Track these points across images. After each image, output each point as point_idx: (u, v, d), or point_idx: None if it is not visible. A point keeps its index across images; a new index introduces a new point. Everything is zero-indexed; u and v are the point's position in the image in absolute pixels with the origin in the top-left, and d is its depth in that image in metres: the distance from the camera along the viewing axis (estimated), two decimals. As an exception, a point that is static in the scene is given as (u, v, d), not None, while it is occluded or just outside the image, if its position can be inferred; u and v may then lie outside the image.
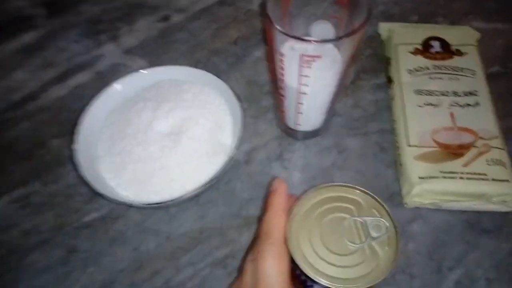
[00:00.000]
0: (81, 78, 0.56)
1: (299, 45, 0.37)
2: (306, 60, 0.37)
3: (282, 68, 0.40)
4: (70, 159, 0.48)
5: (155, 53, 0.58)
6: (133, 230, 0.44)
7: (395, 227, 0.32)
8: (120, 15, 0.63)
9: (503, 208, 0.41)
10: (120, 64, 0.57)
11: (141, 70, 0.50)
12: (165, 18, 0.62)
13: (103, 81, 0.55)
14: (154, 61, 0.57)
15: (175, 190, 0.41)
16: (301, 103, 0.42)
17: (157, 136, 0.44)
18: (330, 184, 0.34)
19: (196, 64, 0.56)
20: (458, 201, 0.41)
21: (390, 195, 0.44)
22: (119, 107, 0.48)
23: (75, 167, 0.42)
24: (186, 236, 0.43)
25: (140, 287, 0.40)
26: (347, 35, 0.35)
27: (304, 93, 0.41)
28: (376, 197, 0.33)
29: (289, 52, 0.38)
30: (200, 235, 0.43)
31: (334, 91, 0.42)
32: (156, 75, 0.50)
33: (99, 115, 0.47)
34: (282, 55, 0.38)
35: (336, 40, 0.37)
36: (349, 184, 0.34)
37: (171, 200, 0.39)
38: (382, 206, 0.33)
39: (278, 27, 0.35)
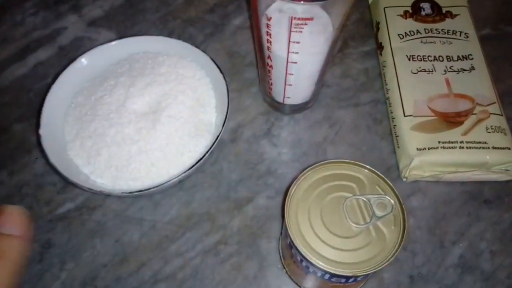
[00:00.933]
0: (42, 54, 0.50)
1: (288, 6, 0.33)
2: (296, 23, 0.33)
3: (269, 34, 0.36)
4: (36, 145, 0.44)
5: (123, 24, 0.53)
6: (114, 220, 0.40)
7: (400, 204, 0.30)
8: (81, -17, 0.56)
9: (504, 177, 0.40)
10: (84, 38, 0.52)
11: (109, 43, 0.44)
12: (132, -15, 0.56)
13: (66, 57, 0.50)
14: (122, 33, 0.52)
15: (158, 176, 0.38)
16: (291, 74, 0.39)
17: (133, 116, 0.39)
18: (328, 161, 0.32)
19: (169, 35, 0.51)
20: (458, 172, 0.40)
21: (387, 169, 0.42)
22: (87, 85, 0.43)
23: (43, 154, 0.38)
24: (173, 224, 0.39)
25: (126, 282, 0.37)
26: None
27: (294, 62, 0.37)
28: (379, 173, 0.31)
29: (277, 14, 0.34)
30: (187, 222, 0.40)
31: (324, 60, 0.39)
32: (127, 48, 0.45)
33: (65, 94, 0.42)
34: (268, 18, 0.34)
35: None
36: (348, 160, 0.32)
37: (154, 188, 0.36)
38: (386, 182, 0.31)
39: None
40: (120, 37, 0.51)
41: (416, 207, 0.40)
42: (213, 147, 0.37)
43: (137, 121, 0.39)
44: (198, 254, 0.38)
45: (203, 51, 0.43)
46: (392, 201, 0.30)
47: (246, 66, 0.49)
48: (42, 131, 0.38)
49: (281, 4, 0.33)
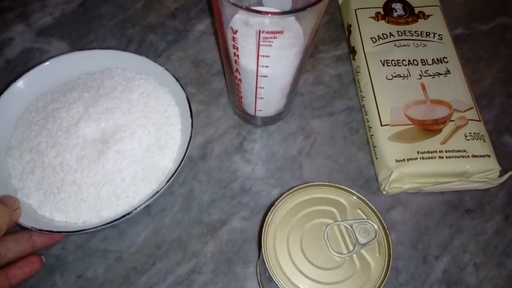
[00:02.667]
0: (-13, 69, 0.46)
1: (254, 19, 0.30)
2: (265, 37, 0.30)
3: (236, 48, 0.33)
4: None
5: (76, 32, 0.49)
6: (75, 253, 0.36)
7: (384, 229, 0.28)
8: (27, -13, 0.52)
9: (485, 186, 0.38)
10: (33, 49, 0.47)
11: (51, 60, 0.39)
12: (85, -11, 0.52)
13: (14, 71, 0.46)
14: (75, 43, 0.48)
15: (85, 213, 0.34)
16: (261, 87, 0.36)
17: (80, 141, 0.35)
18: (305, 185, 0.29)
19: (128, 44, 0.48)
20: (439, 183, 0.38)
21: (366, 181, 0.40)
22: (52, 90, 0.39)
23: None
24: (141, 254, 0.36)
25: (91, 322, 0.34)
26: (313, 3, 0.29)
27: (265, 76, 0.35)
28: (360, 195, 0.29)
29: (243, 27, 0.31)
30: (157, 251, 0.37)
31: (297, 71, 0.36)
32: (84, 62, 0.40)
33: (6, 118, 0.37)
34: (234, 32, 0.31)
35: (301, 10, 0.30)
36: (327, 183, 0.30)
37: (62, 231, 0.32)
38: (368, 205, 0.29)
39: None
40: (73, 48, 0.47)
41: (397, 221, 0.38)
42: (154, 198, 0.33)
43: (83, 147, 0.35)
44: (169, 286, 0.35)
45: (163, 61, 0.39)
46: (375, 226, 0.28)
47: (213, 76, 0.46)
48: None
49: (247, 17, 0.30)
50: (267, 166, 0.41)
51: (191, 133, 0.36)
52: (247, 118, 0.43)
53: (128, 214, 0.32)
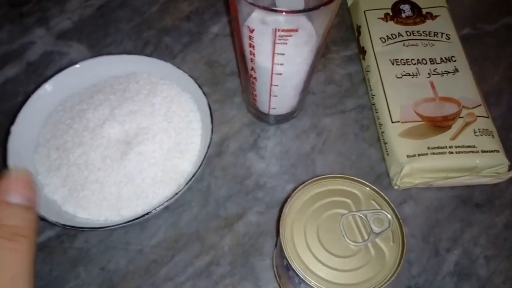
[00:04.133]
0: (9, 71, 0.47)
1: (271, 18, 0.31)
2: (281, 35, 0.31)
3: (252, 46, 0.34)
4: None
5: (95, 36, 0.50)
6: (98, 246, 0.38)
7: (398, 218, 0.29)
8: (47, -7, 0.53)
9: (494, 180, 0.39)
10: (54, 52, 0.49)
11: (81, 63, 0.41)
12: (102, -6, 0.54)
13: (36, 73, 0.47)
14: (94, 46, 0.49)
15: (106, 211, 0.35)
16: (276, 85, 0.38)
17: (105, 141, 0.37)
18: (320, 177, 0.31)
19: (144, 46, 0.49)
20: (449, 177, 0.39)
21: (377, 177, 0.41)
22: (81, 91, 0.41)
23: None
24: (161, 247, 0.38)
25: (114, 312, 0.35)
26: (326, 2, 0.30)
27: (279, 74, 0.36)
28: (373, 187, 0.30)
29: (260, 26, 0.32)
30: (176, 244, 0.38)
31: (310, 69, 0.38)
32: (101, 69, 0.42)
33: (36, 116, 0.39)
34: (251, 30, 0.33)
35: (315, 9, 0.31)
36: (341, 175, 0.31)
37: (84, 227, 0.34)
38: (381, 196, 0.30)
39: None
40: (91, 50, 0.49)
41: (409, 214, 0.39)
42: (172, 199, 0.34)
43: (107, 147, 0.36)
44: (189, 277, 0.36)
45: (179, 63, 0.40)
46: (389, 216, 0.29)
47: (228, 76, 0.47)
48: (10, 162, 0.35)
49: (263, 16, 0.31)
50: (281, 162, 0.42)
51: (211, 139, 0.37)
52: (261, 116, 0.44)
53: (147, 214, 0.33)
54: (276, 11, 0.29)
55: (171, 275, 0.36)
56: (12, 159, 0.35)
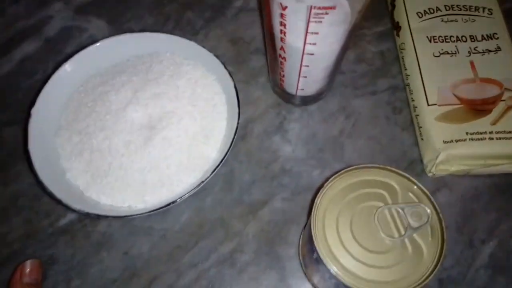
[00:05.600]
0: (27, 48, 0.46)
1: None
2: (316, 13, 0.29)
3: (284, 25, 0.32)
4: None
5: (114, 10, 0.48)
6: (121, 231, 0.37)
7: (437, 212, 0.27)
8: (64, -36, 0.51)
9: (535, 168, 0.37)
10: (72, 27, 0.47)
11: (102, 42, 0.39)
12: (121, -34, 0.51)
13: (54, 49, 0.46)
14: (113, 21, 0.47)
15: (129, 199, 0.34)
16: (306, 66, 0.35)
17: (128, 125, 0.35)
18: (354, 167, 0.29)
19: (166, 22, 0.47)
20: (488, 165, 0.37)
21: (410, 163, 0.39)
22: (102, 71, 0.39)
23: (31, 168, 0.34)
24: (184, 233, 0.37)
25: (138, 298, 0.35)
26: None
27: (311, 54, 0.34)
28: (411, 177, 0.28)
29: (294, 3, 0.30)
30: (200, 230, 0.37)
31: (342, 50, 0.35)
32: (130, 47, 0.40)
33: (56, 98, 0.38)
34: (283, 8, 0.30)
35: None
36: (376, 165, 0.29)
37: (108, 215, 0.33)
38: (420, 188, 0.28)
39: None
40: (111, 25, 0.47)
41: (443, 204, 0.37)
42: (197, 187, 0.33)
43: (130, 132, 0.35)
44: (213, 264, 0.36)
45: (202, 39, 0.38)
46: (428, 210, 0.27)
47: (252, 54, 0.45)
48: (30, 147, 0.34)
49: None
50: (307, 146, 0.40)
51: (237, 125, 0.35)
52: (287, 97, 0.42)
53: (172, 203, 0.32)
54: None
55: (195, 262, 0.36)
56: (33, 142, 0.34)
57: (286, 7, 0.30)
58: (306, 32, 0.31)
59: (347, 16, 0.31)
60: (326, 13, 0.29)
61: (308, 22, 0.30)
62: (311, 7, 0.28)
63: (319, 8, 0.28)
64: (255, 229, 0.37)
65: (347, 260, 0.26)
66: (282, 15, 0.31)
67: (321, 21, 0.30)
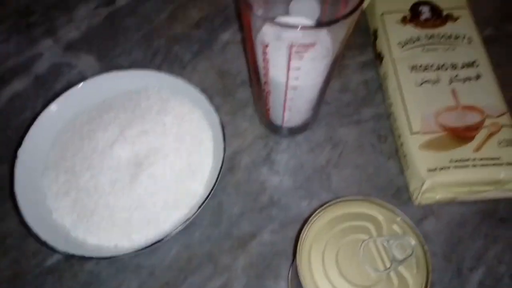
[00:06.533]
0: (17, 85, 0.47)
1: (286, 34, 0.30)
2: (297, 50, 0.30)
3: (266, 61, 0.33)
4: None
5: (104, 45, 0.49)
6: (108, 270, 0.37)
7: (422, 244, 0.27)
8: (54, 2, 0.52)
9: (520, 194, 0.37)
10: (62, 64, 0.48)
11: (89, 80, 0.40)
12: (109, 2, 0.52)
13: (44, 87, 0.46)
14: (102, 57, 0.48)
15: (116, 237, 0.34)
16: (291, 98, 0.36)
17: (114, 163, 0.36)
18: (339, 200, 0.29)
19: (154, 56, 0.48)
20: (472, 192, 0.37)
21: (396, 191, 0.40)
22: (90, 109, 0.40)
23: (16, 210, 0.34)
24: (173, 269, 0.37)
25: (128, 337, 0.35)
26: (346, 15, 0.28)
27: (295, 88, 0.34)
28: (396, 210, 0.29)
29: (275, 41, 0.31)
30: (188, 265, 0.37)
31: (326, 81, 0.36)
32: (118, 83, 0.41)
33: (43, 137, 0.38)
34: (265, 45, 0.31)
35: (333, 23, 0.30)
36: (361, 197, 0.29)
37: (94, 257, 0.33)
38: (404, 220, 0.28)
39: (257, 12, 0.28)
40: (101, 61, 0.48)
41: (430, 232, 0.38)
42: (184, 224, 0.33)
43: (117, 170, 0.36)
44: (202, 300, 0.36)
45: (188, 74, 0.39)
46: (412, 241, 0.27)
47: (239, 86, 0.46)
48: (16, 189, 0.34)
49: (279, 31, 0.30)
50: (295, 177, 0.41)
51: (223, 158, 0.35)
52: (274, 129, 0.42)
53: (159, 241, 0.32)
54: (291, 27, 0.28)
55: (184, 298, 0.36)
56: (19, 183, 0.34)
57: (267, 45, 0.31)
58: (288, 68, 0.32)
59: (328, 51, 0.32)
60: (306, 51, 0.30)
61: (289, 59, 0.31)
62: (291, 45, 0.29)
63: (299, 46, 0.29)
64: (244, 263, 0.37)
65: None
66: (264, 52, 0.32)
67: (302, 57, 0.31)
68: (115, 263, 0.37)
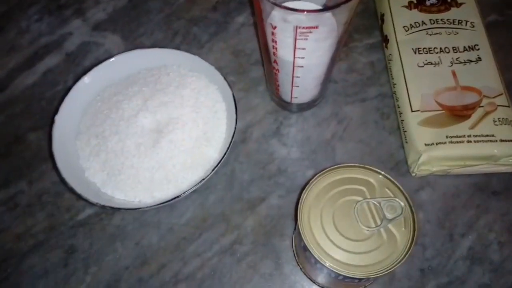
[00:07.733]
0: (50, 61, 0.51)
1: (292, 17, 0.33)
2: (302, 32, 0.33)
3: (275, 41, 0.36)
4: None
5: (128, 26, 0.53)
6: (133, 224, 0.41)
7: (410, 206, 0.31)
8: (83, -15, 0.56)
9: (511, 169, 0.40)
10: (90, 43, 0.52)
11: (116, 57, 0.44)
12: (134, -15, 0.56)
13: (74, 63, 0.51)
14: (127, 37, 0.52)
15: (140, 194, 0.39)
16: (297, 77, 0.39)
17: (139, 130, 0.40)
18: (337, 166, 0.32)
19: (174, 37, 0.52)
20: (466, 166, 0.40)
21: (396, 164, 0.43)
22: (116, 82, 0.44)
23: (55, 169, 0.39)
24: (189, 226, 0.41)
25: (148, 283, 0.39)
26: (346, 0, 0.31)
27: (300, 66, 0.38)
28: (388, 176, 0.32)
29: (281, 23, 0.34)
30: (203, 223, 0.41)
31: (331, 61, 0.39)
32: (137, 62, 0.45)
33: (76, 106, 0.42)
34: (273, 27, 0.35)
35: (335, 7, 0.33)
36: (357, 164, 0.33)
37: (121, 208, 0.37)
38: (395, 184, 0.32)
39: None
40: (125, 40, 0.52)
41: (425, 201, 0.41)
42: (199, 184, 0.37)
43: (141, 135, 0.40)
44: (215, 254, 0.40)
45: (206, 53, 0.42)
46: (402, 203, 0.31)
47: (252, 65, 0.49)
48: (54, 147, 0.39)
49: (285, 14, 0.33)
50: (302, 149, 0.44)
51: (235, 129, 0.39)
52: (284, 105, 0.46)
53: (177, 197, 0.37)
54: (296, 10, 0.31)
55: (199, 252, 0.40)
56: (56, 144, 0.39)
57: (275, 26, 0.34)
58: (295, 48, 0.35)
59: (331, 32, 0.35)
60: (310, 32, 0.33)
61: (295, 39, 0.34)
62: (296, 27, 0.32)
63: (303, 28, 0.32)
64: (253, 223, 0.41)
65: (330, 247, 0.30)
66: (273, 33, 0.35)
67: (306, 38, 0.34)
68: (139, 219, 0.41)
